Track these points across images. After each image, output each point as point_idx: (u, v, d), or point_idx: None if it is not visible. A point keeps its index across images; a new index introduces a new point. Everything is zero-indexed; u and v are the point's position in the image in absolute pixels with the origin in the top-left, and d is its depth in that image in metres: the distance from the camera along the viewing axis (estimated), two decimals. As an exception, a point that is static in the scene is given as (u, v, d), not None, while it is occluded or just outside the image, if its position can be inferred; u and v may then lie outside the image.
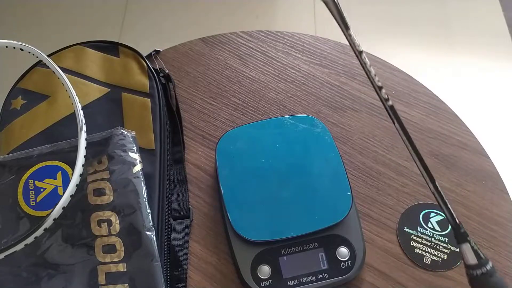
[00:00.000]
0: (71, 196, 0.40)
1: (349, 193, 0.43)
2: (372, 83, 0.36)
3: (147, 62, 0.52)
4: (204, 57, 0.59)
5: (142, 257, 0.40)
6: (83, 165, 0.41)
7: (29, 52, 0.46)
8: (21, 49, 0.46)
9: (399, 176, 0.49)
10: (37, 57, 0.46)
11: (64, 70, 0.50)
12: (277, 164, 0.45)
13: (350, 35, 0.35)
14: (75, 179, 0.40)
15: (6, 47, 0.46)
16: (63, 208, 0.39)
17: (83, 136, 0.42)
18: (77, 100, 0.44)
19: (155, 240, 0.41)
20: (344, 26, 0.35)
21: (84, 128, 0.43)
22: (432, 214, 0.47)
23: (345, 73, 0.57)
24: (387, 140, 0.52)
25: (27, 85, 0.50)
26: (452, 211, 0.37)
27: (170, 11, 1.47)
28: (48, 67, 0.51)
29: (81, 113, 0.43)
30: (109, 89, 0.50)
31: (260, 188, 0.44)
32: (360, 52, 0.35)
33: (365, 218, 0.47)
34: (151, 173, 0.45)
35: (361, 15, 1.47)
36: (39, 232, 0.38)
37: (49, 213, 0.39)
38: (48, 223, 0.38)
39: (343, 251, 0.42)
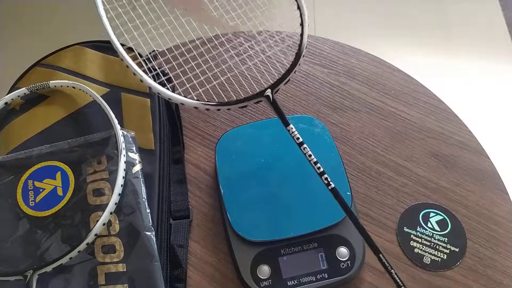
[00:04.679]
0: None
1: (348, 193, 0.43)
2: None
3: (147, 62, 0.52)
4: (204, 57, 0.58)
5: (142, 257, 0.40)
6: (119, 194, 0.41)
7: (80, 89, 0.48)
8: (73, 87, 0.48)
9: (399, 176, 0.49)
10: (90, 96, 0.48)
11: (64, 70, 0.50)
12: (276, 164, 0.45)
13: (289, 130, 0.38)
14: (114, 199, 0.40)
15: (61, 86, 0.48)
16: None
17: (122, 159, 0.43)
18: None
19: (154, 240, 0.40)
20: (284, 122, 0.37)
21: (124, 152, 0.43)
22: (431, 214, 0.47)
23: (344, 73, 0.57)
24: (387, 140, 0.52)
25: (26, 85, 0.50)
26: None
27: (170, 11, 1.47)
28: (47, 67, 0.51)
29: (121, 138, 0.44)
30: (109, 89, 0.49)
31: (260, 188, 0.44)
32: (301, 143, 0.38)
33: (365, 218, 0.47)
34: (150, 173, 0.45)
35: (362, 15, 1.47)
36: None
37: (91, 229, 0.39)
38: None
39: (342, 251, 0.42)
